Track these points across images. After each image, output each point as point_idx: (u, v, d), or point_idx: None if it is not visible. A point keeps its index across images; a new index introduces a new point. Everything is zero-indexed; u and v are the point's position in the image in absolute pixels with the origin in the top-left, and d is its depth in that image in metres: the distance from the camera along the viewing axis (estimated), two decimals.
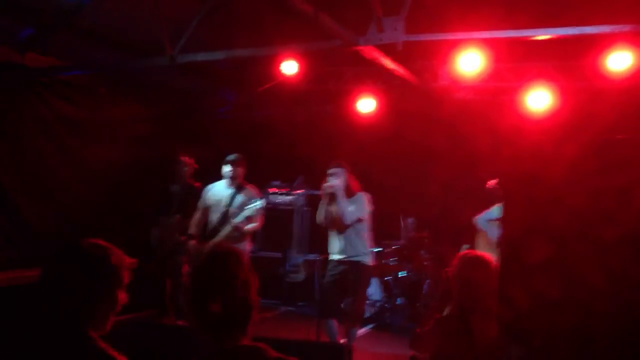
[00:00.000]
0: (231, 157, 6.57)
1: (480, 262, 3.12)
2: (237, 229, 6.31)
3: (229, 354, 2.05)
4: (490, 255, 3.21)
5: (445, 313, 3.22)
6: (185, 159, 7.41)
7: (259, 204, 6.30)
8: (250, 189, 6.53)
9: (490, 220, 6.76)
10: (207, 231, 6.57)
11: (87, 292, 2.10)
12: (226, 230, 6.38)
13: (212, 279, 2.10)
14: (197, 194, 7.18)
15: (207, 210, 6.62)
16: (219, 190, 6.59)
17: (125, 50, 6.83)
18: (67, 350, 2.04)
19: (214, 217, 6.51)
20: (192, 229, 6.67)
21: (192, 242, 6.56)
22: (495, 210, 6.68)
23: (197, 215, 6.69)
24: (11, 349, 2.08)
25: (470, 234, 7.28)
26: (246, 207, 6.32)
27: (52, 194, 6.74)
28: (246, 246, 6.53)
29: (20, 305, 5.35)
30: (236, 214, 6.35)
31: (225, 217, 6.41)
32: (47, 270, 2.16)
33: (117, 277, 2.16)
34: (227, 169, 6.52)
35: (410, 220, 9.00)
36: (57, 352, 2.04)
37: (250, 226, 6.41)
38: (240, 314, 2.09)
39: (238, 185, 6.52)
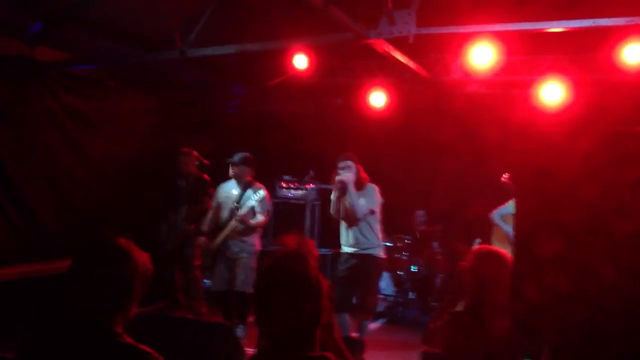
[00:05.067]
0: (234, 157, 6.59)
1: (495, 257, 3.10)
2: (242, 221, 6.33)
3: None
4: (504, 250, 3.18)
5: (458, 308, 3.20)
6: (187, 150, 7.42)
7: (261, 193, 6.34)
8: (259, 186, 6.54)
9: (505, 215, 6.72)
10: (216, 228, 6.61)
11: (116, 288, 2.12)
12: (232, 225, 6.41)
13: (280, 289, 1.96)
14: (205, 185, 7.21)
15: (218, 208, 6.66)
16: (229, 189, 6.65)
17: (135, 43, 6.83)
18: (94, 346, 2.05)
19: (224, 214, 6.55)
20: (205, 226, 6.74)
21: (203, 239, 6.63)
22: (511, 205, 6.63)
23: (210, 214, 6.77)
24: (33, 344, 2.08)
25: (481, 227, 7.24)
26: (249, 199, 6.36)
27: (60, 186, 6.77)
28: (255, 241, 6.55)
29: (32, 298, 5.39)
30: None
31: (233, 214, 6.44)
32: (75, 265, 2.16)
33: (141, 276, 2.19)
34: (231, 169, 6.57)
35: (420, 212, 8.96)
36: (84, 347, 2.04)
37: (256, 220, 6.42)
38: (308, 324, 1.96)
39: (246, 183, 6.54)
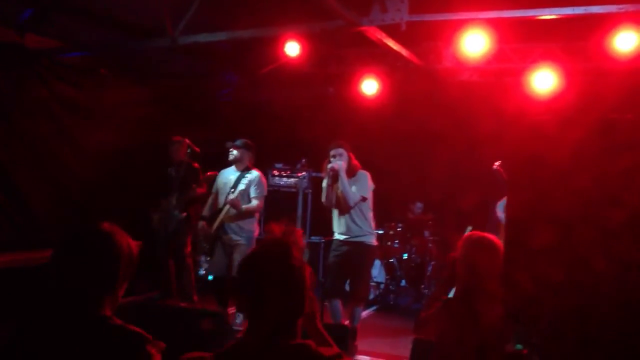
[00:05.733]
0: (236, 141, 6.59)
1: (486, 243, 3.08)
2: (233, 205, 6.33)
3: (276, 352, 1.94)
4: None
5: (450, 296, 3.21)
6: (179, 139, 7.39)
7: (253, 175, 6.38)
8: (256, 172, 6.53)
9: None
10: (215, 214, 6.61)
11: (100, 273, 2.12)
12: (225, 210, 6.41)
13: (262, 276, 1.97)
14: (196, 173, 7.20)
15: (217, 193, 6.70)
16: (227, 175, 6.64)
17: (126, 31, 6.78)
18: (84, 329, 2.06)
19: (221, 200, 6.55)
20: (205, 212, 6.78)
21: (202, 223, 6.63)
22: None
23: (210, 200, 6.80)
24: (23, 331, 2.08)
25: (474, 216, 7.26)
26: (240, 183, 6.35)
27: (52, 175, 6.74)
28: (253, 227, 6.54)
29: (24, 287, 5.37)
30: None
31: (226, 199, 6.44)
32: (58, 252, 2.16)
33: (127, 259, 2.18)
34: (231, 153, 6.54)
35: (418, 205, 9.00)
36: (74, 331, 2.05)
37: (248, 205, 6.40)
38: (290, 313, 1.98)
39: (244, 168, 6.52)
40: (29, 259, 5.85)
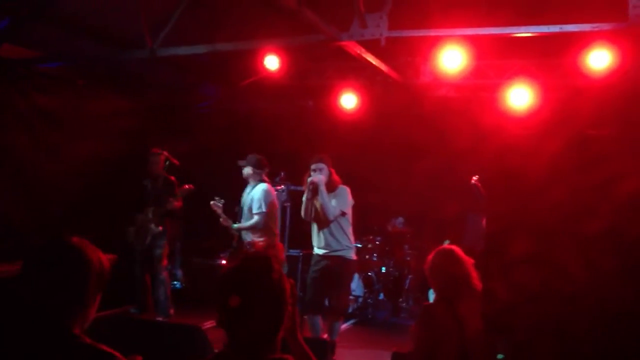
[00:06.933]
0: (246, 158, 6.59)
1: (448, 252, 3.29)
2: (225, 226, 6.45)
3: None
4: None
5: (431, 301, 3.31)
6: (157, 151, 7.33)
7: (256, 190, 6.40)
8: (260, 186, 6.47)
9: None
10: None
11: (68, 288, 2.06)
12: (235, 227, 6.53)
13: (243, 289, 1.95)
14: (172, 186, 7.15)
15: (240, 210, 6.73)
16: (245, 192, 6.66)
17: (105, 42, 6.74)
18: (52, 348, 2.00)
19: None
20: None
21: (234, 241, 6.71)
22: None
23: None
24: None
25: (452, 229, 7.30)
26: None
27: (30, 188, 6.65)
28: (261, 243, 6.45)
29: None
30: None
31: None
32: (27, 265, 2.11)
33: (96, 273, 2.13)
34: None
35: (400, 219, 9.04)
36: (41, 349, 1.99)
37: (245, 224, 6.43)
38: (271, 327, 1.97)
39: (255, 184, 6.53)
40: (6, 271, 5.75)
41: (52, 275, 2.06)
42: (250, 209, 6.42)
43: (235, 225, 6.46)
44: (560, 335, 1.91)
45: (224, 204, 6.62)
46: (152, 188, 7.30)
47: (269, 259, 2.05)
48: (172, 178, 7.26)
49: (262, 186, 6.44)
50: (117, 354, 2.03)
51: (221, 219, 6.51)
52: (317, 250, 6.17)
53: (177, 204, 7.07)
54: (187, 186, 7.03)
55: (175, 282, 8.23)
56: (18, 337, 2.02)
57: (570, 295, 1.91)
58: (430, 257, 3.35)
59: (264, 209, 6.33)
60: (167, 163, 7.39)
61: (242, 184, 6.76)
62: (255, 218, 6.37)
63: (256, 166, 6.52)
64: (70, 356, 1.99)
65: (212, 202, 6.59)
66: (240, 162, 6.60)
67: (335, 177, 6.13)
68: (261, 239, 6.45)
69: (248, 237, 6.47)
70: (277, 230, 6.71)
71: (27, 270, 2.10)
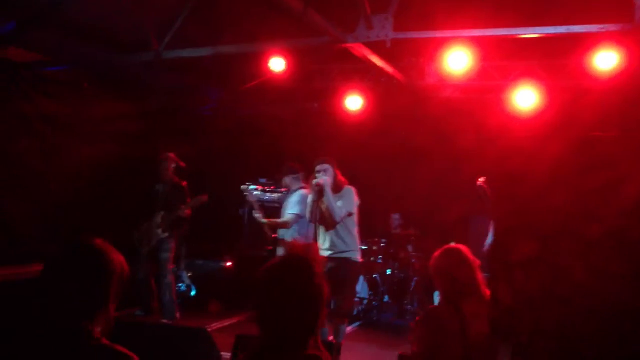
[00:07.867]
0: (281, 170, 6.78)
1: (454, 252, 3.26)
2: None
3: None
4: None
5: (435, 304, 3.29)
6: (168, 155, 7.33)
7: (292, 196, 6.56)
8: (297, 193, 6.59)
9: None
10: None
11: (91, 292, 2.08)
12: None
13: (284, 290, 2.01)
14: (182, 191, 7.15)
15: None
16: (286, 199, 6.82)
17: (111, 45, 6.76)
18: (73, 350, 2.01)
19: None
20: None
21: None
22: None
23: None
24: (10, 348, 2.04)
25: (456, 231, 7.29)
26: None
27: (34, 192, 6.66)
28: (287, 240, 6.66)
29: (6, 303, 5.28)
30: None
31: None
32: (50, 269, 2.11)
33: (118, 276, 2.15)
34: None
35: (395, 216, 9.00)
36: (62, 352, 2.00)
37: (282, 219, 6.58)
38: (306, 328, 2.02)
39: (294, 191, 6.65)
40: (8, 274, 5.77)
41: (77, 278, 2.07)
42: (285, 212, 6.60)
43: (265, 221, 6.60)
44: (562, 339, 1.91)
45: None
46: (163, 193, 7.30)
47: (312, 262, 2.10)
48: (184, 183, 7.24)
49: (299, 192, 6.57)
50: (135, 356, 2.05)
51: (254, 212, 6.69)
52: (323, 252, 6.14)
53: (187, 211, 7.08)
54: (202, 197, 7.06)
55: (180, 285, 8.23)
56: (38, 339, 2.03)
57: (572, 299, 1.91)
58: (435, 256, 3.30)
59: (296, 211, 6.50)
60: (175, 165, 7.38)
61: (241, 186, 6.87)
62: (287, 216, 6.52)
63: (292, 173, 6.67)
64: (89, 357, 2.01)
65: (242, 187, 6.69)
66: (282, 179, 6.77)
67: (341, 178, 6.12)
68: (300, 238, 6.53)
69: (287, 235, 6.58)
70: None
71: (50, 274, 2.10)
